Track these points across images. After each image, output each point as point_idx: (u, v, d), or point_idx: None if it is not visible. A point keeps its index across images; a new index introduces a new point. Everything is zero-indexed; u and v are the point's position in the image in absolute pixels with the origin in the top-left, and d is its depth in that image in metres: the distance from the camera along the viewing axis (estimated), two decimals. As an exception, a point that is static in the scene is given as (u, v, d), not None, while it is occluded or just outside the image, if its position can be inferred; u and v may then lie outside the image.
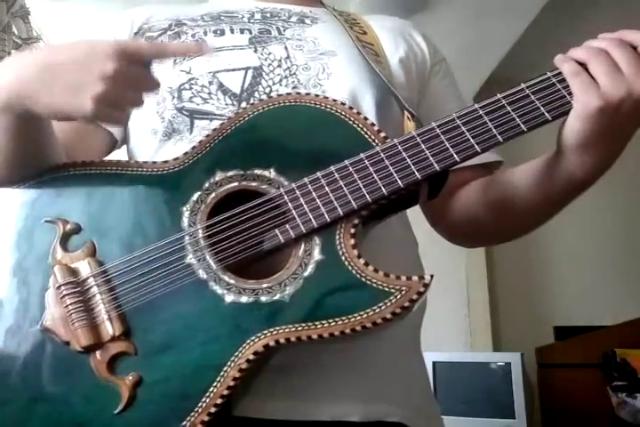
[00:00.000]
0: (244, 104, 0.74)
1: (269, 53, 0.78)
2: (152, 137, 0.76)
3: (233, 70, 0.76)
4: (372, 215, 0.64)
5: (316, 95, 0.67)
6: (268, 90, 0.75)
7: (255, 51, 0.78)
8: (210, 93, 0.75)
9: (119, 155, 0.80)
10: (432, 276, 0.59)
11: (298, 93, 0.68)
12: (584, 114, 0.59)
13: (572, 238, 2.78)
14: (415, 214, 0.80)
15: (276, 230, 0.62)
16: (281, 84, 0.76)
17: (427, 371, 0.79)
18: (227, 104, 0.74)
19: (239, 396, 0.62)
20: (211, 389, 0.58)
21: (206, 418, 0.57)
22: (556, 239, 2.80)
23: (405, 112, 0.73)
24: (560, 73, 0.62)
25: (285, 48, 0.79)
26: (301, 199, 0.62)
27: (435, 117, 0.64)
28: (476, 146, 0.61)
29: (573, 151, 0.63)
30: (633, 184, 2.75)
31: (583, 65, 0.60)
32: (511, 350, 2.42)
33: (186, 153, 0.68)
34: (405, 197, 0.65)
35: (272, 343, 0.59)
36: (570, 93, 0.61)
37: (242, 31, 0.80)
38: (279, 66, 0.77)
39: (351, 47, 0.80)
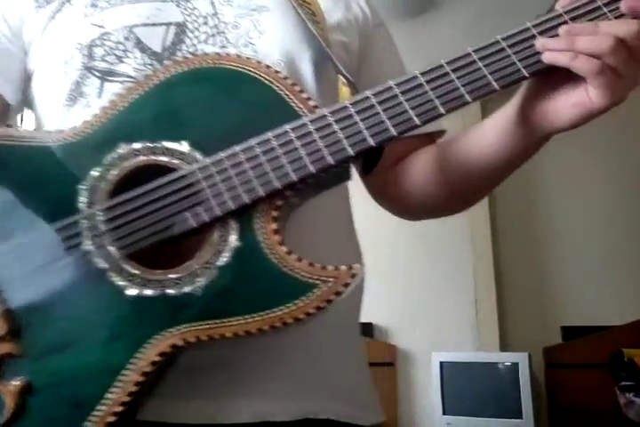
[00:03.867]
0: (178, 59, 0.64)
1: (194, 9, 0.69)
2: (56, 101, 0.66)
3: (153, 25, 0.66)
4: (299, 195, 0.56)
5: (238, 56, 0.58)
6: (192, 49, 0.66)
7: (178, 5, 0.69)
8: (125, 51, 0.65)
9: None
10: (362, 265, 0.53)
11: (217, 54, 0.59)
12: (597, 110, 0.53)
13: (579, 239, 2.72)
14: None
15: (187, 213, 0.54)
16: (207, 43, 0.66)
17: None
18: (145, 64, 0.65)
19: (146, 398, 0.55)
20: (109, 396, 0.51)
21: (104, 429, 0.50)
22: (564, 240, 2.76)
23: (341, 77, 0.65)
24: (511, 37, 0.54)
25: (212, 3, 0.69)
26: (217, 177, 0.54)
27: (376, 84, 0.56)
28: (415, 118, 0.54)
29: (544, 128, 0.58)
30: None
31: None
32: (519, 351, 2.40)
33: (85, 121, 0.58)
34: (338, 173, 0.58)
35: (180, 343, 0.51)
36: (521, 60, 0.54)
37: None
38: (205, 23, 0.68)
39: (286, 3, 0.71)
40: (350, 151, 0.54)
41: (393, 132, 0.54)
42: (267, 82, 0.57)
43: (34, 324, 0.53)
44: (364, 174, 0.60)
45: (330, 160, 0.54)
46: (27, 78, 0.71)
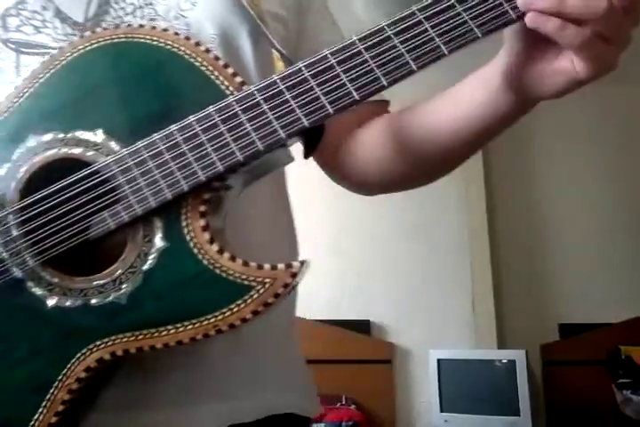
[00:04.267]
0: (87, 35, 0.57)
1: None
2: None
3: None
4: (232, 184, 0.50)
5: (152, 28, 0.51)
6: (118, 21, 0.59)
7: None
8: (44, 21, 0.59)
9: None
10: (303, 262, 0.47)
11: (129, 26, 0.51)
12: (585, 80, 0.46)
13: (577, 236, 2.69)
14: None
15: (105, 212, 0.48)
16: (134, 16, 0.59)
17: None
18: (66, 34, 0.58)
19: (91, 413, 0.51)
20: (35, 416, 0.47)
21: (32, 452, 0.47)
22: (561, 237, 2.72)
23: (275, 51, 0.58)
24: None
25: None
26: (135, 171, 0.48)
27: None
28: (354, 93, 0.47)
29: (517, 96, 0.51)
30: None
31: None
32: (516, 348, 2.38)
33: (-9, 111, 0.52)
34: (268, 159, 0.51)
35: (107, 357, 0.47)
36: (474, 18, 0.46)
37: None
38: None
39: None
40: (282, 134, 0.47)
41: (329, 109, 0.47)
42: (187, 57, 0.50)
43: (-49, 341, 0.49)
44: (307, 155, 0.54)
45: (259, 146, 0.47)
46: None
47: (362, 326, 2.51)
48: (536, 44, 0.48)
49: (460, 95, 0.58)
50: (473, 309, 2.55)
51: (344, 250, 2.52)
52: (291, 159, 0.54)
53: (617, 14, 0.43)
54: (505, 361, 2.30)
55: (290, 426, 0.60)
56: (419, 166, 0.64)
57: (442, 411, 2.31)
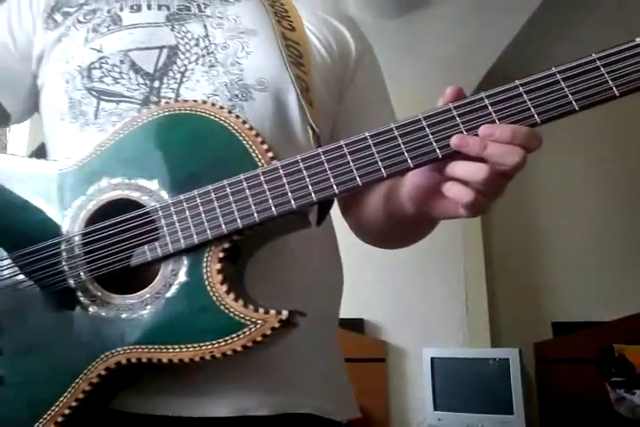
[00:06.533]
0: (156, 84, 0.71)
1: (187, 32, 0.74)
2: (58, 119, 0.73)
3: (147, 49, 0.72)
4: (251, 240, 0.62)
5: (212, 104, 0.63)
6: (183, 69, 0.72)
7: (172, 29, 0.74)
8: (121, 73, 0.72)
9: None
10: (292, 312, 0.57)
11: (195, 101, 0.64)
12: (464, 217, 0.60)
13: (570, 234, 2.72)
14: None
15: (146, 247, 0.61)
16: (197, 63, 0.72)
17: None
18: (138, 84, 0.71)
19: (130, 392, 0.62)
20: (61, 399, 0.59)
21: (52, 427, 0.59)
22: (554, 235, 2.76)
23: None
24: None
25: (204, 26, 0.75)
26: (174, 217, 0.60)
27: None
28: (358, 179, 0.57)
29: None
30: (633, 183, 2.70)
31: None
32: (509, 346, 2.39)
33: (80, 155, 0.66)
34: (293, 221, 0.62)
35: (124, 361, 0.59)
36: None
37: (159, 7, 0.76)
38: (196, 45, 0.73)
39: (272, 32, 0.76)
40: (293, 205, 0.58)
41: (334, 189, 0.58)
42: (233, 131, 0.62)
43: (12, 326, 0.62)
44: (319, 222, 0.64)
45: (274, 212, 0.58)
46: (36, 92, 0.78)
47: (355, 325, 2.49)
48: (436, 179, 0.59)
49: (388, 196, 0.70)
50: (466, 307, 2.54)
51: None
52: (308, 225, 0.64)
53: (496, 180, 0.55)
54: (498, 360, 2.29)
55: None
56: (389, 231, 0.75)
57: (435, 409, 2.31)
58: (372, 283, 2.45)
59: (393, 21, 2.46)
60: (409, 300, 2.55)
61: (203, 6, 0.77)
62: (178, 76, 0.71)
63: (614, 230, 2.69)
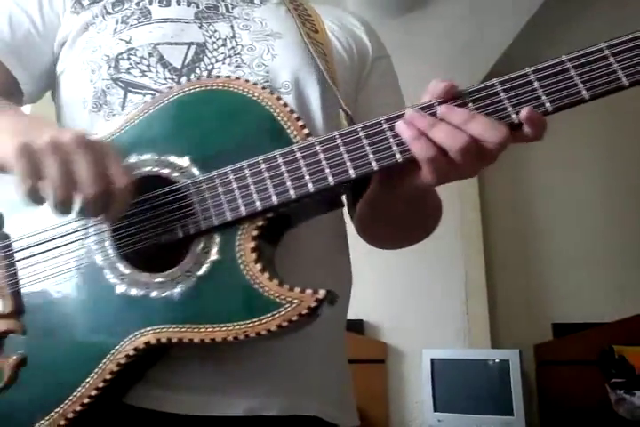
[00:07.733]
0: (183, 79, 0.70)
1: (215, 31, 0.74)
2: (81, 107, 0.72)
3: (176, 44, 0.72)
4: (283, 218, 0.60)
5: (246, 81, 0.62)
6: (210, 67, 0.71)
7: (200, 27, 0.74)
8: (149, 66, 0.71)
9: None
10: (328, 291, 0.56)
11: (227, 77, 0.63)
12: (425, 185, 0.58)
13: (570, 236, 2.72)
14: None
15: (177, 223, 0.59)
16: (224, 63, 0.72)
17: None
18: (166, 78, 0.71)
19: (144, 388, 0.61)
20: (87, 379, 0.57)
21: (79, 408, 0.57)
22: (554, 237, 2.75)
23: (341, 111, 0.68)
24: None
25: (232, 27, 0.75)
26: (206, 193, 0.59)
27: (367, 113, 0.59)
28: (397, 155, 0.56)
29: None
30: (631, 183, 2.70)
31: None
32: (509, 348, 2.39)
33: (107, 131, 0.64)
34: (323, 200, 0.61)
35: (153, 341, 0.57)
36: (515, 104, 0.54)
37: (189, 4, 0.76)
38: (224, 45, 0.73)
39: (298, 33, 0.76)
40: (331, 181, 0.57)
41: (374, 166, 0.56)
42: (267, 107, 0.60)
43: (37, 306, 0.61)
44: (353, 204, 0.63)
45: (310, 188, 0.57)
46: (52, 76, 0.76)
47: (355, 326, 2.48)
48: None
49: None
50: (466, 308, 2.53)
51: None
52: (342, 205, 0.63)
53: (473, 152, 0.53)
54: (498, 361, 2.29)
55: None
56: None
57: (435, 411, 2.30)
58: (372, 284, 2.44)
59: (393, 21, 2.47)
60: (409, 301, 2.54)
61: (230, 7, 0.77)
62: (205, 73, 0.70)
63: (614, 232, 2.68)
